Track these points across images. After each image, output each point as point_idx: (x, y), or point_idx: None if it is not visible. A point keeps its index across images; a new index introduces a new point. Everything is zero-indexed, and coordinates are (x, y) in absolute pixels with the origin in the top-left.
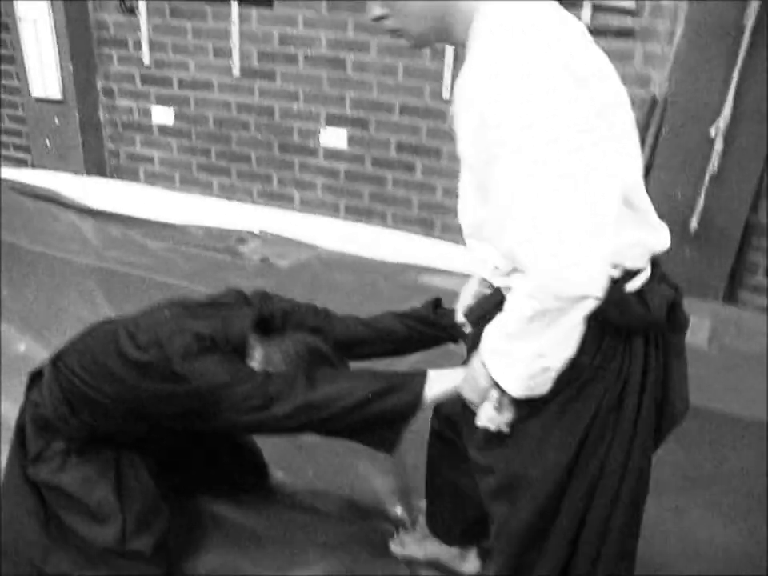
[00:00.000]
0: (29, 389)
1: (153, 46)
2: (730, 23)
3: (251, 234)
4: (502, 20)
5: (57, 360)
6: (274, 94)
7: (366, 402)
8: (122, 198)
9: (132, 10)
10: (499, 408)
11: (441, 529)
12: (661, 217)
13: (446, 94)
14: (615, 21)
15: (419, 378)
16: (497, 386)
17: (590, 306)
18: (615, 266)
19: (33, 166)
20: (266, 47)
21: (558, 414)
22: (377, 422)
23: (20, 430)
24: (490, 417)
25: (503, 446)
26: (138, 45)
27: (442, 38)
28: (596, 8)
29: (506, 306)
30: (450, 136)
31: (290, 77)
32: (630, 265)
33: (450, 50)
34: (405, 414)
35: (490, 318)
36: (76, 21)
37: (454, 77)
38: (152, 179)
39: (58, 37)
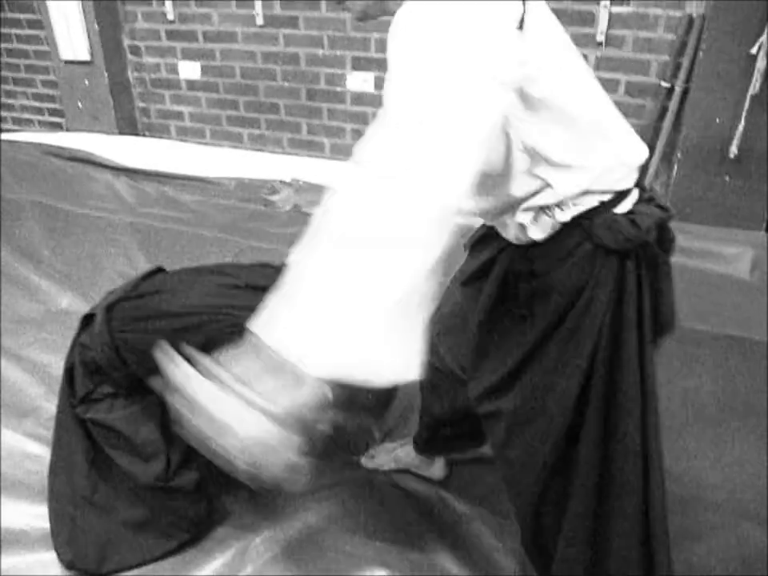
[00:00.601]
0: (80, 331)
1: None
2: None
3: (283, 182)
4: None
5: (110, 306)
6: (298, 41)
7: None
8: (154, 155)
9: None
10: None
11: (424, 443)
12: (700, 143)
13: None
14: None
15: None
16: None
17: None
18: (604, 192)
19: (67, 129)
20: None
21: (562, 344)
22: None
23: (68, 370)
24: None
25: (509, 389)
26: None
27: (382, 12)
28: None
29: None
30: None
31: (314, 22)
32: (618, 185)
33: None
34: None
35: None
36: None
37: None
38: (183, 134)
39: None
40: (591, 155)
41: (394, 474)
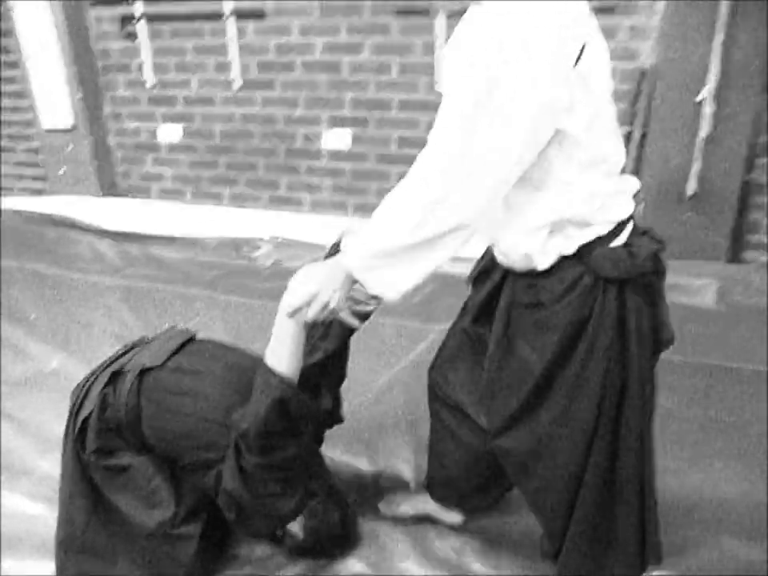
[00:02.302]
0: (105, 386)
1: (155, 67)
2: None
3: (262, 240)
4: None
5: (144, 373)
6: (275, 102)
7: None
8: (136, 216)
9: (132, 35)
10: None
11: (434, 493)
12: (661, 183)
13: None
14: None
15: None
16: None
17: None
18: (605, 222)
19: (49, 193)
20: (264, 58)
21: (574, 375)
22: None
23: (76, 415)
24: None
25: (525, 422)
26: (141, 69)
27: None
28: None
29: (381, 228)
30: None
31: (290, 84)
32: (619, 215)
33: (441, 44)
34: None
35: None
36: (81, 53)
37: None
38: (164, 195)
39: (66, 69)
40: (600, 180)
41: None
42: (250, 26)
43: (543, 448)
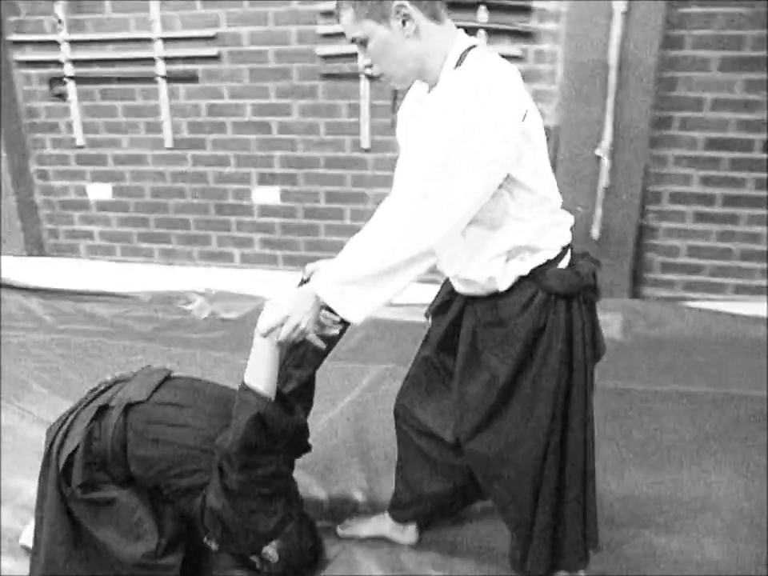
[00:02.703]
0: (91, 421)
1: (85, 127)
2: (598, 62)
3: (196, 292)
4: (476, 64)
5: (129, 407)
6: (206, 161)
7: None
8: (65, 274)
9: (62, 96)
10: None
11: (399, 514)
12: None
13: (365, 144)
14: None
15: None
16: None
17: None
18: (550, 248)
19: None
20: (195, 119)
21: (533, 378)
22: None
23: (59, 451)
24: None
25: (492, 425)
26: (70, 127)
27: (414, 76)
28: None
29: (350, 260)
30: (374, 181)
31: (220, 143)
32: (560, 241)
33: (365, 105)
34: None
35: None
36: (7, 111)
37: (371, 129)
38: (93, 253)
39: None
40: (546, 215)
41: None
42: (182, 88)
43: (509, 450)
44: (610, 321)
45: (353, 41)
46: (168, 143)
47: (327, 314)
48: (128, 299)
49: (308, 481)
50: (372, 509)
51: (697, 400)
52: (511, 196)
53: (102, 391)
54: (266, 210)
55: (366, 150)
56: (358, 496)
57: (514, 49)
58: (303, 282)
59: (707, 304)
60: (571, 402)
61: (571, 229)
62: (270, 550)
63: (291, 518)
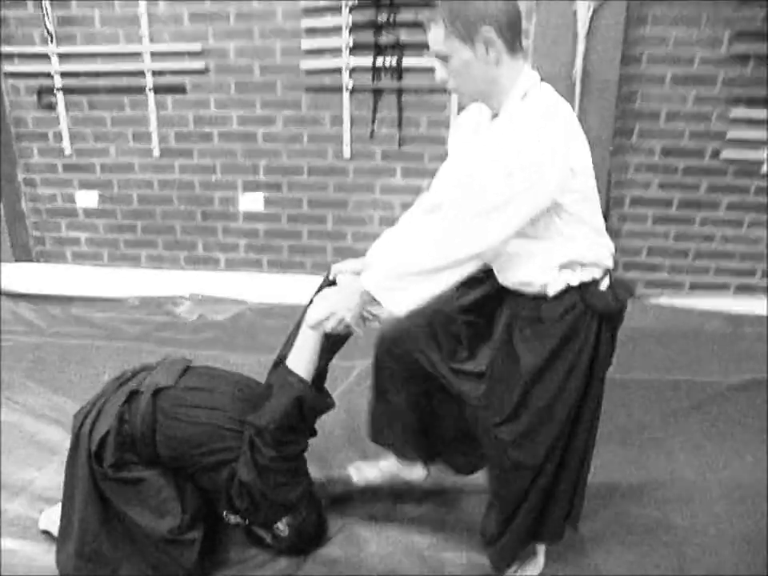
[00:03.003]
0: (122, 405)
1: (73, 136)
2: (564, 76)
3: (183, 297)
4: (538, 103)
5: (157, 392)
6: (192, 169)
7: None
8: (53, 280)
9: (51, 106)
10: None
11: (381, 436)
12: None
13: (346, 154)
14: None
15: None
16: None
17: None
18: (597, 265)
19: None
20: (183, 129)
21: (559, 377)
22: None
23: (90, 434)
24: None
25: (520, 415)
26: (58, 137)
27: (483, 98)
28: None
29: (408, 257)
30: (355, 188)
31: (207, 152)
32: (605, 263)
33: (347, 117)
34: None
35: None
36: None
37: (352, 138)
38: (80, 259)
39: None
40: (590, 236)
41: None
42: (169, 99)
43: (523, 439)
44: None
45: (436, 55)
46: (156, 152)
47: (370, 309)
48: (117, 303)
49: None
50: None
51: (659, 386)
52: (558, 216)
53: (129, 379)
54: (250, 216)
55: (348, 159)
56: (353, 475)
57: None
58: (328, 281)
59: (666, 300)
60: (585, 406)
61: (613, 256)
62: (281, 525)
63: (307, 492)
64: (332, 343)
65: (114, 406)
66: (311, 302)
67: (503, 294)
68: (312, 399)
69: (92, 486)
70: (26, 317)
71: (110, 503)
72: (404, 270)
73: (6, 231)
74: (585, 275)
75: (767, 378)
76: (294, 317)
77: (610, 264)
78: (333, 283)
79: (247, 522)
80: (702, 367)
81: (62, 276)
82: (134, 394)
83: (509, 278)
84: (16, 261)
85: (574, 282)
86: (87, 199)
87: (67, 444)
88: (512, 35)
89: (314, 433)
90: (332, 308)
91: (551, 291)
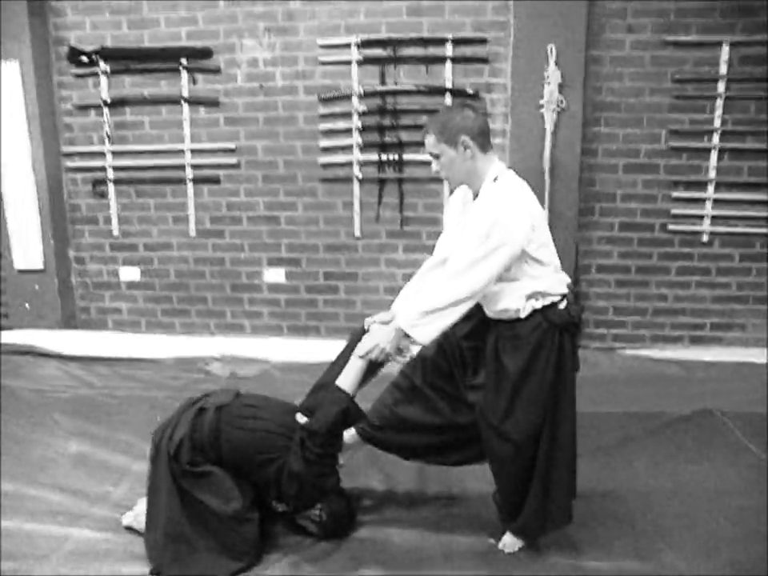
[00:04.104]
0: (193, 419)
1: (120, 220)
2: (534, 167)
3: (214, 357)
4: (505, 184)
5: (220, 408)
6: (224, 248)
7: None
8: (97, 345)
9: (103, 195)
10: (405, 352)
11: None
12: None
13: (356, 233)
14: None
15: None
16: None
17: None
18: (555, 294)
19: (10, 328)
20: (216, 213)
21: (537, 381)
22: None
23: (169, 440)
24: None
25: (514, 415)
26: (107, 220)
27: (466, 183)
28: None
29: (426, 300)
30: (364, 262)
31: (237, 233)
32: (560, 291)
33: (357, 203)
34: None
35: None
36: (55, 207)
37: (361, 220)
38: (120, 327)
39: (40, 220)
40: (550, 274)
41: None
42: (205, 188)
43: (515, 429)
44: None
45: (430, 154)
46: (192, 233)
47: (406, 342)
48: (155, 363)
49: None
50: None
51: (623, 417)
52: (526, 262)
53: (195, 401)
54: (273, 288)
55: (357, 238)
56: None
57: None
58: (364, 331)
59: (630, 351)
60: (562, 398)
61: (567, 285)
62: (317, 511)
63: (338, 483)
64: (371, 371)
65: (186, 420)
66: (343, 354)
67: (489, 322)
68: (354, 412)
69: (172, 481)
70: (77, 374)
71: (187, 494)
72: (425, 309)
73: (59, 302)
74: (546, 301)
75: (706, 409)
76: (312, 373)
77: (564, 291)
78: (365, 332)
79: (291, 508)
80: (658, 402)
81: (104, 341)
82: (201, 411)
83: (492, 308)
84: (64, 328)
85: (539, 307)
86: (130, 274)
87: (134, 467)
88: (483, 139)
89: None
90: (376, 342)
91: (522, 315)
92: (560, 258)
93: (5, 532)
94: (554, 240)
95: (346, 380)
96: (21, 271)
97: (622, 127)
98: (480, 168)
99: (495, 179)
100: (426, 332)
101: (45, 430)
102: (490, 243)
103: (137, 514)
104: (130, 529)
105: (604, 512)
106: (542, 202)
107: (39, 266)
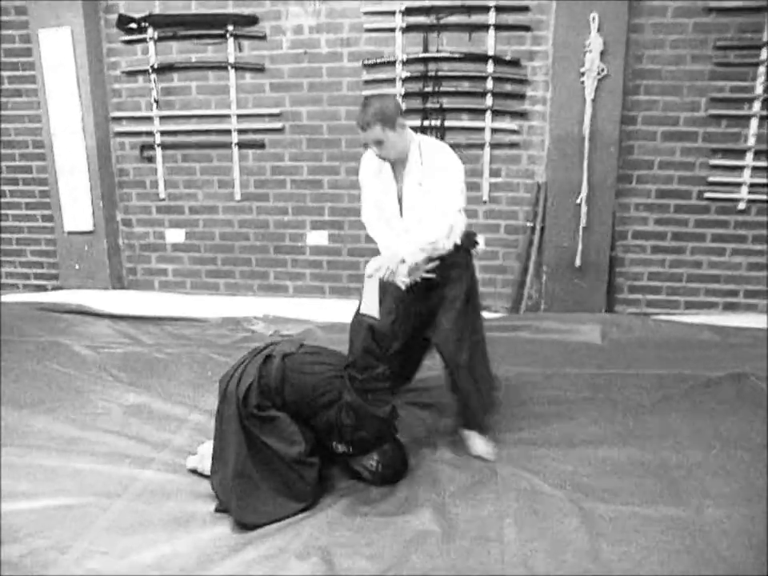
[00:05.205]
0: (261, 365)
1: (167, 184)
2: (575, 134)
3: (257, 317)
4: (433, 142)
5: (285, 356)
6: (268, 211)
7: None
8: (144, 305)
9: (150, 159)
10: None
11: None
12: (556, 260)
13: None
14: (506, 138)
15: None
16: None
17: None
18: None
19: (61, 288)
20: (261, 177)
21: (469, 291)
22: None
23: (237, 385)
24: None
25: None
26: (154, 184)
27: (402, 154)
28: (493, 130)
29: (413, 242)
30: None
31: (281, 197)
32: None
33: None
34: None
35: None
36: (104, 171)
37: None
38: (166, 288)
39: (90, 184)
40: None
41: None
42: (250, 153)
43: (471, 336)
44: (591, 330)
45: (375, 143)
46: (237, 196)
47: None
48: (201, 322)
49: None
50: None
51: (658, 378)
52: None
53: (261, 350)
54: (316, 250)
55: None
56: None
57: (512, 125)
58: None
59: (664, 316)
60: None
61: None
62: (373, 462)
63: (395, 416)
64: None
65: (253, 366)
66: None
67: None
68: (380, 327)
69: (240, 423)
70: (128, 332)
71: (253, 436)
72: (420, 244)
73: (107, 263)
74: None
75: (741, 373)
76: None
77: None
78: None
79: (351, 450)
80: (692, 365)
81: (151, 301)
82: (268, 358)
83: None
84: (112, 288)
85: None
86: (175, 236)
87: (191, 417)
88: (403, 115)
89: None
90: (384, 261)
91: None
92: (596, 224)
93: (78, 472)
94: (591, 206)
95: (367, 303)
96: (71, 233)
97: (662, 95)
98: (407, 137)
99: (414, 140)
100: (417, 260)
101: (103, 382)
102: (457, 177)
103: (201, 458)
104: (194, 471)
105: (643, 464)
106: (580, 169)
107: (89, 227)
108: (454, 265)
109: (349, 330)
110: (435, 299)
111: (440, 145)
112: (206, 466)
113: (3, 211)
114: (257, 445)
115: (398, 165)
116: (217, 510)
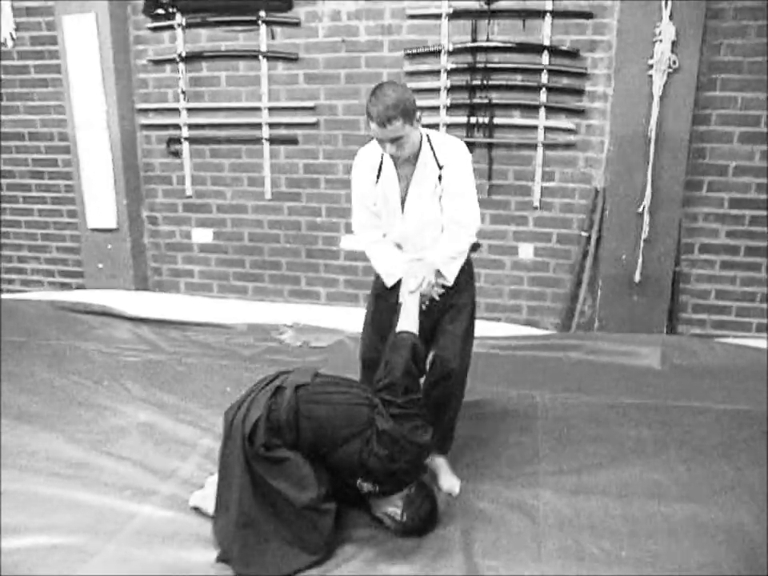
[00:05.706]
0: (270, 397)
1: (194, 180)
2: (639, 135)
3: (287, 325)
4: (442, 135)
5: (298, 387)
6: (300, 212)
7: None
8: (168, 307)
9: (177, 153)
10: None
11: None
12: (613, 274)
13: None
14: (561, 137)
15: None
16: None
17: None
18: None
19: (85, 287)
20: (293, 175)
21: (471, 309)
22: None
23: (243, 421)
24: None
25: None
26: (180, 180)
27: (415, 150)
28: (547, 129)
29: (445, 251)
30: None
31: (314, 197)
32: None
33: None
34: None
35: None
36: (129, 166)
37: None
38: (192, 290)
39: (114, 179)
40: None
41: None
42: (282, 149)
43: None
44: (651, 353)
45: (393, 140)
46: (267, 195)
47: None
48: (226, 329)
49: None
50: None
51: (725, 415)
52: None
53: (272, 380)
54: (350, 255)
55: None
56: None
57: (569, 123)
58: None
59: (734, 340)
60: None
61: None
62: (398, 509)
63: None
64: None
65: (262, 399)
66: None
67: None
68: (422, 348)
69: (245, 464)
70: (149, 338)
71: (260, 477)
72: (452, 253)
73: (131, 263)
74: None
75: None
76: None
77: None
78: None
79: (378, 488)
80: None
81: (176, 304)
82: (279, 389)
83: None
84: (136, 289)
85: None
86: (202, 236)
87: (202, 441)
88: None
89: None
90: (423, 275)
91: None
92: (660, 235)
93: (78, 504)
94: (654, 215)
95: (406, 321)
96: (94, 230)
97: (741, 90)
98: (420, 134)
99: (424, 136)
100: (452, 271)
101: (115, 396)
102: (470, 173)
103: (205, 496)
104: (197, 509)
105: (717, 526)
106: (644, 174)
107: (112, 225)
108: (462, 271)
109: (387, 349)
110: (437, 313)
111: (450, 138)
112: (209, 505)
113: (29, 205)
114: (264, 489)
115: (401, 162)
116: (218, 560)
